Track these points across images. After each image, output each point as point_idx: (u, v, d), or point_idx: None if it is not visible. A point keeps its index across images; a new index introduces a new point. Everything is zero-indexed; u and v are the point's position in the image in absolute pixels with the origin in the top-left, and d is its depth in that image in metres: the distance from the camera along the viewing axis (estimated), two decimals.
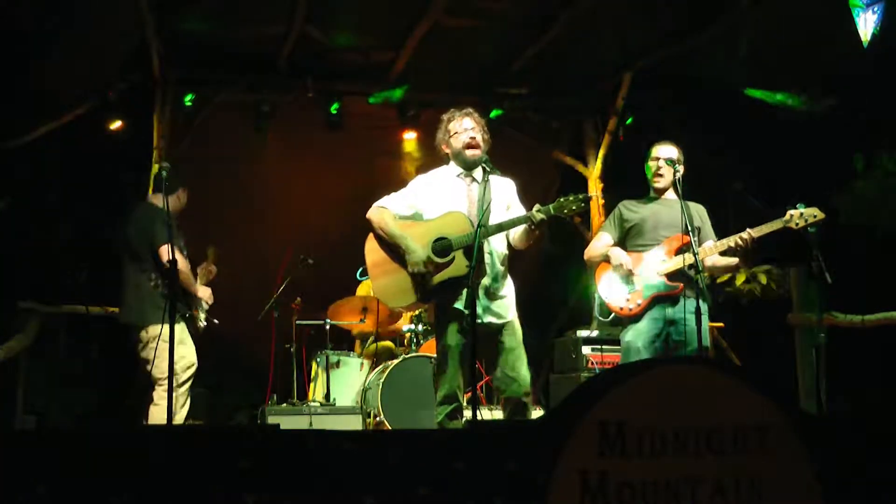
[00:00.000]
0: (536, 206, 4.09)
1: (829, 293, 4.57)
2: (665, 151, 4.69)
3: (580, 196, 4.06)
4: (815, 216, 4.32)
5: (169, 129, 7.32)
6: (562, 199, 4.05)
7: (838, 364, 4.97)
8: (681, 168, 4.65)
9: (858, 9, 5.72)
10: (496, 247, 4.28)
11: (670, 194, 4.70)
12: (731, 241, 4.44)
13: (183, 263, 4.90)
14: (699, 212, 4.75)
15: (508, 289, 4.34)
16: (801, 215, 4.32)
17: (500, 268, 4.29)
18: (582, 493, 2.36)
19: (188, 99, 7.29)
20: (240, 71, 7.43)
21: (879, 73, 5.92)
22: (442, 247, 4.17)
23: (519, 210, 4.40)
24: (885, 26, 5.66)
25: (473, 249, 3.89)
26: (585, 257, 4.83)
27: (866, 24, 5.72)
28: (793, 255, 5.49)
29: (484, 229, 4.08)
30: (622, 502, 2.39)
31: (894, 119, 6.02)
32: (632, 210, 4.73)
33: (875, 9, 5.67)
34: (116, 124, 7.15)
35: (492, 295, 4.23)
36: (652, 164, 4.72)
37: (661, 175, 4.67)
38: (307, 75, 7.51)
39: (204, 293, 5.26)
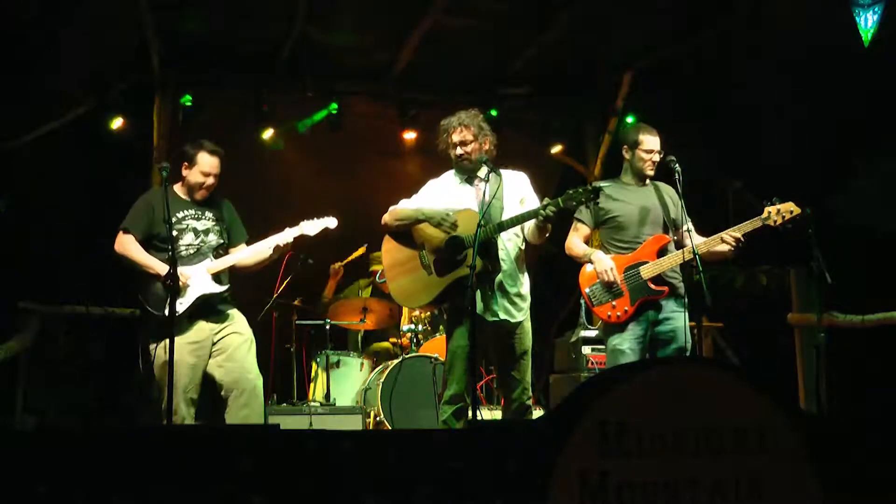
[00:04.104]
0: (546, 200, 4.10)
1: (829, 293, 4.57)
2: (656, 143, 4.63)
3: (588, 188, 4.06)
4: (791, 211, 4.32)
5: (169, 129, 7.32)
6: (570, 192, 4.06)
7: (838, 364, 4.97)
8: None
9: (859, 9, 5.71)
10: (510, 244, 4.28)
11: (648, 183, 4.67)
12: (715, 241, 4.42)
13: (118, 243, 4.56)
14: (671, 196, 4.67)
15: (525, 287, 4.35)
16: (777, 211, 4.32)
17: (516, 264, 4.29)
18: (582, 493, 2.36)
19: (188, 99, 7.29)
20: (240, 71, 7.43)
21: (879, 73, 5.92)
22: (455, 244, 4.19)
23: (534, 202, 4.39)
24: (885, 26, 5.66)
25: (474, 248, 3.89)
26: (566, 250, 4.73)
27: (867, 23, 5.72)
28: (793, 255, 5.49)
29: (494, 225, 4.11)
30: (622, 502, 2.39)
31: (894, 119, 6.02)
32: (608, 197, 4.62)
33: (875, 9, 5.67)
34: (116, 124, 7.15)
35: (507, 293, 4.24)
36: (645, 155, 4.61)
37: (653, 167, 4.60)
38: (307, 75, 7.51)
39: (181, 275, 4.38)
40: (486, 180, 4.18)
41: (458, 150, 4.36)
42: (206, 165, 4.65)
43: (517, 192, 4.39)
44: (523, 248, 4.36)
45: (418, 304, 4.54)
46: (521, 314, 4.28)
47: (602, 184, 4.71)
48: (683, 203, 4.54)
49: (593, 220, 4.67)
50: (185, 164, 4.67)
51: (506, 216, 4.25)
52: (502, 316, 4.20)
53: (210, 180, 4.68)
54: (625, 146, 4.70)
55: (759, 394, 2.53)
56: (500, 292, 4.21)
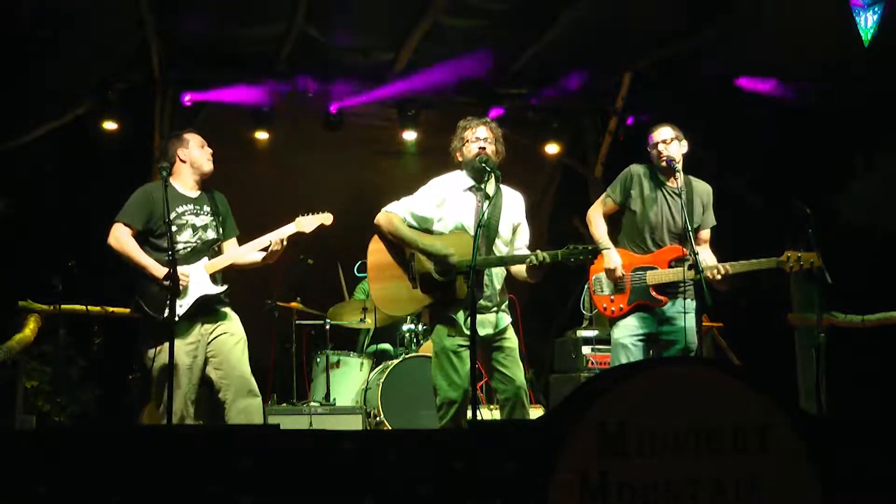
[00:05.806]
0: (546, 252, 4.06)
1: (829, 293, 4.57)
2: (662, 133, 4.63)
3: (589, 247, 4.02)
4: (812, 263, 4.30)
5: (169, 130, 7.32)
6: (571, 247, 4.01)
7: (838, 364, 4.97)
8: (684, 144, 4.64)
9: (859, 9, 5.71)
10: (496, 271, 4.29)
11: (678, 179, 4.66)
12: (722, 271, 4.42)
13: (114, 236, 4.48)
14: (702, 196, 4.69)
15: (504, 304, 4.35)
16: (797, 259, 4.30)
17: (498, 286, 4.31)
18: (582, 494, 2.36)
19: (188, 99, 7.29)
20: (240, 71, 7.43)
21: (879, 73, 5.92)
22: (445, 266, 4.20)
23: (525, 232, 4.42)
24: (885, 26, 5.67)
25: (474, 248, 3.88)
26: (587, 218, 4.81)
27: (866, 23, 5.72)
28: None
29: (488, 258, 4.13)
30: (622, 502, 2.39)
31: (894, 119, 6.02)
32: (638, 187, 4.65)
33: (875, 9, 5.67)
34: (115, 124, 7.15)
35: (485, 311, 4.23)
36: (654, 151, 4.63)
37: (669, 157, 4.56)
38: (307, 75, 7.51)
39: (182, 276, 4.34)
40: (490, 198, 4.19)
41: (480, 144, 4.29)
42: (196, 140, 4.70)
43: (513, 215, 4.37)
44: (507, 272, 4.36)
45: (396, 312, 4.61)
46: (502, 323, 4.27)
47: (638, 166, 4.71)
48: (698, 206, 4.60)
49: (621, 199, 4.70)
50: (181, 149, 4.65)
51: (498, 240, 4.27)
52: (482, 333, 4.17)
53: (210, 151, 4.71)
54: (647, 150, 4.73)
55: (759, 394, 2.53)
56: (479, 313, 4.18)
